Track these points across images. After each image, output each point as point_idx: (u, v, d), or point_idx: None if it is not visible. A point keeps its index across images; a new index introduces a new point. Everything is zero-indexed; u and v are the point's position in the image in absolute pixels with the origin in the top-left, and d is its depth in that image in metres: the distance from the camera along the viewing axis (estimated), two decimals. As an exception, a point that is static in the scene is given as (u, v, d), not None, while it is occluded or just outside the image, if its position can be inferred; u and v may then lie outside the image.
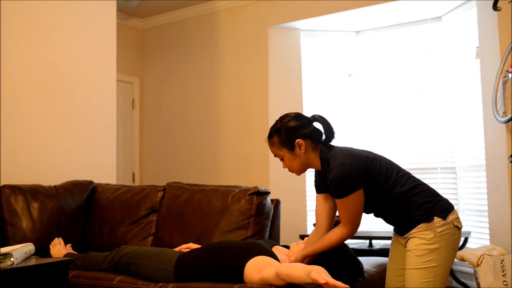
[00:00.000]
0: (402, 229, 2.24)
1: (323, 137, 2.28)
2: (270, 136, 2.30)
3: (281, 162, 2.31)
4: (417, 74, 4.97)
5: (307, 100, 5.19)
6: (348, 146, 2.33)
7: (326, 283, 1.93)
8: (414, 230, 2.17)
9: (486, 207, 4.22)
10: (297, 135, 2.23)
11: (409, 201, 2.17)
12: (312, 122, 2.28)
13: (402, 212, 2.20)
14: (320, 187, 2.34)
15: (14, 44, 3.67)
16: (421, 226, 2.15)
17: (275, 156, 2.30)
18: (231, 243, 2.55)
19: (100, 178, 3.96)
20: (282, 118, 2.29)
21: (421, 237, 2.15)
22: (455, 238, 2.18)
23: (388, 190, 2.19)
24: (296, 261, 2.26)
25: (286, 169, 2.32)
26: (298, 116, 2.28)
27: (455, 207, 4.66)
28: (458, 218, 2.21)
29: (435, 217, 2.14)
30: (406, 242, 2.23)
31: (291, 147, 2.23)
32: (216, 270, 2.43)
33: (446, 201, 2.23)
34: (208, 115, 5.53)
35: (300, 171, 2.29)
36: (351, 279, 2.36)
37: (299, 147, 2.23)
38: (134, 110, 5.99)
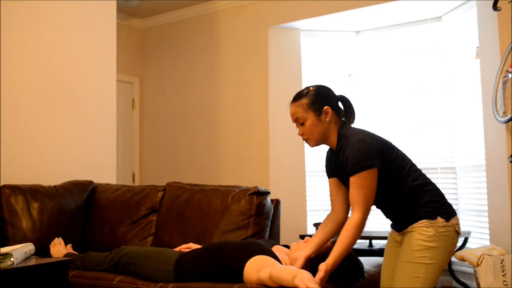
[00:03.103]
0: (403, 223, 2.22)
1: (343, 118, 2.30)
2: (298, 98, 2.27)
3: (297, 130, 2.27)
4: (417, 74, 4.97)
5: (307, 100, 5.19)
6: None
7: None
8: (415, 225, 2.15)
9: (486, 207, 4.22)
10: (327, 102, 2.23)
11: (417, 196, 2.16)
12: (338, 99, 2.30)
13: (407, 206, 2.18)
14: (332, 170, 2.31)
15: (14, 44, 3.67)
16: (424, 222, 2.13)
17: (295, 120, 2.27)
18: (231, 243, 2.55)
19: (100, 178, 3.96)
20: (311, 85, 2.30)
21: (421, 233, 2.12)
22: (453, 242, 2.16)
23: (399, 180, 2.18)
24: (322, 271, 2.11)
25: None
26: (328, 87, 2.30)
27: (455, 207, 4.68)
28: (459, 224, 2.20)
29: (438, 216, 2.13)
30: (404, 237, 2.21)
31: (318, 112, 2.21)
32: (216, 270, 2.43)
33: (450, 205, 2.22)
34: (208, 115, 5.53)
35: (317, 140, 2.26)
36: (351, 279, 2.36)
37: (326, 114, 2.22)
38: (134, 110, 5.99)
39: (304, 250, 2.26)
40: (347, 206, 2.27)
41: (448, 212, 2.17)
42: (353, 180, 2.12)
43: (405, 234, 2.21)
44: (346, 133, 2.21)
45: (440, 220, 2.13)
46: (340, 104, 2.31)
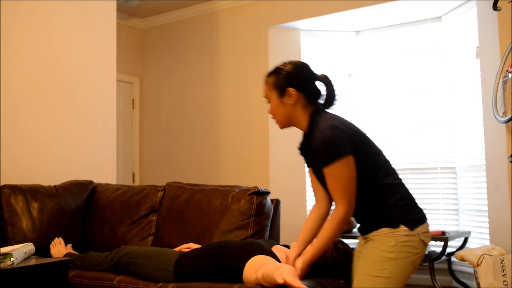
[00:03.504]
0: (365, 227, 2.05)
1: (322, 100, 2.12)
2: (268, 75, 2.13)
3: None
4: (417, 74, 4.97)
5: (307, 100, 5.19)
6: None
7: (285, 282, 1.91)
8: (375, 233, 1.97)
9: (486, 207, 4.22)
10: (292, 83, 2.06)
11: (383, 197, 1.97)
12: (316, 79, 2.11)
13: (372, 207, 2.00)
14: (307, 157, 2.16)
15: (14, 44, 3.67)
16: (384, 230, 1.95)
17: (265, 97, 2.14)
18: (231, 243, 2.55)
19: (100, 178, 3.96)
20: (289, 61, 2.13)
21: (381, 243, 1.94)
22: (417, 253, 1.94)
23: (369, 176, 1.98)
24: (299, 269, 2.08)
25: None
26: (304, 67, 2.12)
27: (455, 207, 4.68)
28: (427, 232, 1.99)
29: (401, 225, 1.94)
30: (365, 244, 2.04)
31: (281, 93, 2.07)
32: (216, 270, 2.43)
33: (420, 211, 2.02)
34: (208, 115, 5.53)
35: (283, 123, 2.12)
36: (351, 278, 2.36)
37: (288, 96, 2.06)
38: (134, 110, 5.99)
39: (292, 250, 2.17)
40: (329, 195, 2.07)
41: (414, 220, 1.96)
42: (328, 171, 1.96)
43: (366, 240, 2.03)
44: (318, 118, 2.04)
45: (402, 228, 1.93)
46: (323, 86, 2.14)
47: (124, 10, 5.57)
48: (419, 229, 1.95)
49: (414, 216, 1.97)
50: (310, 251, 2.06)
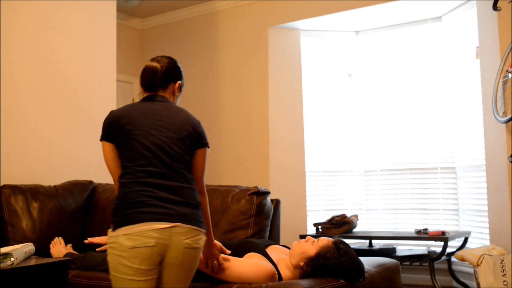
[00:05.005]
0: None
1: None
2: None
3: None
4: (417, 74, 4.97)
5: (307, 100, 5.20)
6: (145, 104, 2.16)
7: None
8: None
9: (486, 207, 4.23)
10: None
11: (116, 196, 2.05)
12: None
13: None
14: None
15: (14, 44, 3.67)
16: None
17: None
18: (228, 244, 2.56)
19: (100, 178, 3.95)
20: None
21: None
22: (122, 255, 1.92)
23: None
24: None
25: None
26: (151, 59, 2.29)
27: (455, 207, 4.68)
28: (132, 234, 1.90)
29: (111, 225, 1.99)
30: None
31: None
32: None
33: (128, 213, 1.95)
34: (208, 115, 5.53)
35: None
36: (351, 279, 2.36)
37: None
38: (134, 110, 5.98)
39: None
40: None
41: (118, 221, 1.95)
42: None
43: None
44: None
45: (109, 230, 1.99)
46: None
47: (124, 10, 5.57)
48: (121, 231, 1.93)
49: (120, 217, 1.96)
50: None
